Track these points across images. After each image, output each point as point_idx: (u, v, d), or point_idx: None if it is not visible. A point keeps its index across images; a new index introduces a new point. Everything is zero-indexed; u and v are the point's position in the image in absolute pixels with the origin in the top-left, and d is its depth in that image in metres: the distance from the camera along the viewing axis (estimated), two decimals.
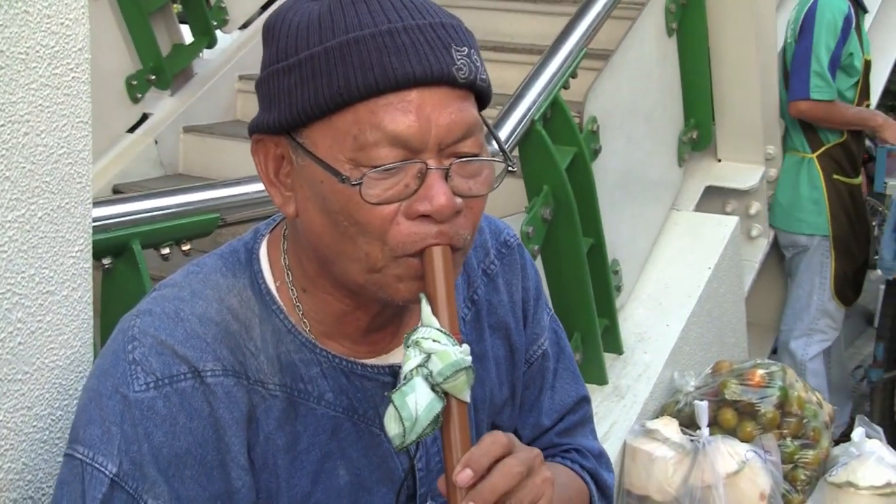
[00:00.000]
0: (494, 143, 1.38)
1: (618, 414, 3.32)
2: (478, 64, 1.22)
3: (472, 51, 1.22)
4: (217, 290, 1.29)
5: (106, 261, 1.97)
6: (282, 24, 1.23)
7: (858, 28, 4.63)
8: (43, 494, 1.46)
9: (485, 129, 1.26)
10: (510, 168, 1.29)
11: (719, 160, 4.37)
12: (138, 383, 1.22)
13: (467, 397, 1.18)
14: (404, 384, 1.17)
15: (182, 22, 4.43)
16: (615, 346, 3.45)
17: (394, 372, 1.32)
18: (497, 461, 1.16)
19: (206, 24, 4.31)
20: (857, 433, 3.37)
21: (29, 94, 1.40)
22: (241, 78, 4.47)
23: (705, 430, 3.17)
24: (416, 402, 1.16)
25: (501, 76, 3.94)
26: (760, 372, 3.36)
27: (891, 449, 3.33)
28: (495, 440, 1.18)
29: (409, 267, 1.21)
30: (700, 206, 4.20)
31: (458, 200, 1.20)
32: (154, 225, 2.05)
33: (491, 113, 3.02)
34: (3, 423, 1.40)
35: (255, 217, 2.13)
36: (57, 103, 1.44)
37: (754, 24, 4.17)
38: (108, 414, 1.22)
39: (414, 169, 1.19)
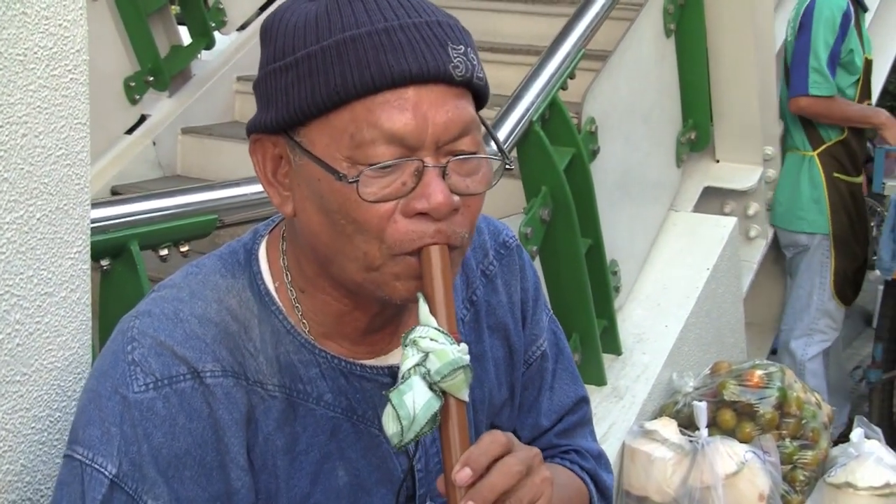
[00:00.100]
0: (493, 143, 1.38)
1: (616, 415, 3.32)
2: (474, 62, 1.22)
3: (469, 49, 1.22)
4: (216, 291, 1.29)
5: (104, 262, 1.97)
6: (279, 25, 1.24)
7: (858, 26, 4.63)
8: (42, 496, 1.45)
9: (483, 128, 1.26)
10: (507, 166, 1.29)
11: (717, 161, 4.38)
12: (137, 384, 1.22)
13: (465, 396, 1.18)
14: (402, 383, 1.16)
15: (180, 23, 4.43)
16: (614, 347, 3.45)
17: (393, 373, 1.32)
18: (496, 460, 1.16)
19: (205, 25, 4.31)
20: (856, 434, 3.37)
21: (27, 95, 1.40)
22: (239, 79, 4.47)
23: (704, 431, 3.17)
24: (413, 401, 1.15)
25: (499, 77, 3.94)
26: (759, 373, 3.36)
27: (889, 449, 3.33)
28: (494, 439, 1.17)
29: (406, 265, 1.21)
30: (698, 207, 4.20)
31: (456, 198, 1.20)
32: (152, 226, 2.05)
33: (489, 114, 3.01)
34: (1, 425, 1.40)
35: (254, 218, 2.13)
36: (55, 105, 1.44)
37: (752, 25, 4.17)
38: (108, 415, 1.22)
39: (411, 167, 1.19)
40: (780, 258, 4.96)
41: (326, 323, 1.31)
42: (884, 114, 4.71)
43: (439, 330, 1.18)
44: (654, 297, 3.73)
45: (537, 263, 3.09)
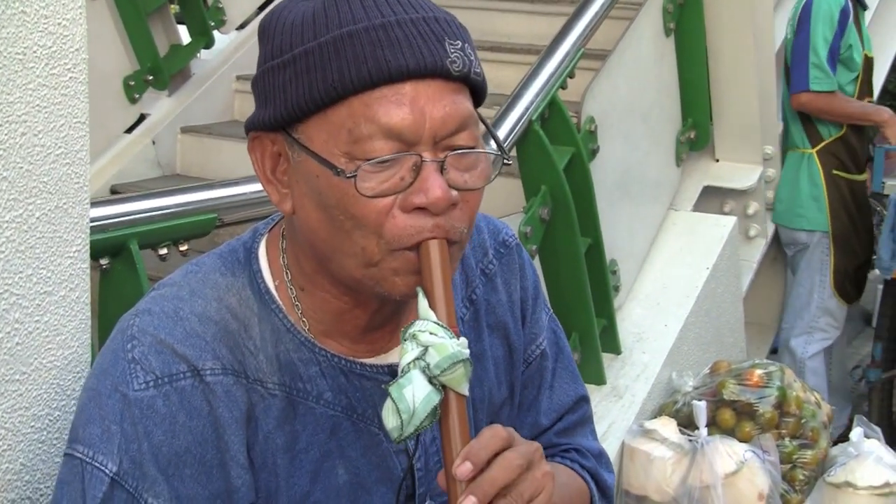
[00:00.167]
0: (492, 141, 1.38)
1: (616, 414, 3.32)
2: (471, 57, 1.22)
3: (466, 45, 1.23)
4: (216, 290, 1.29)
5: (104, 261, 1.97)
6: (277, 23, 1.24)
7: (858, 23, 4.64)
8: (41, 495, 1.45)
9: (481, 124, 1.26)
10: (506, 161, 1.29)
11: (717, 160, 4.38)
12: (138, 382, 1.22)
13: (465, 390, 1.18)
14: (401, 377, 1.16)
15: (179, 22, 4.42)
16: (613, 346, 3.45)
17: (393, 371, 1.32)
18: (497, 455, 1.16)
19: (204, 24, 4.31)
20: (856, 433, 3.37)
21: (26, 94, 1.40)
22: (238, 78, 4.47)
23: (703, 430, 3.17)
24: (413, 395, 1.15)
25: (499, 76, 3.94)
26: (759, 372, 3.36)
27: (889, 449, 3.33)
28: (495, 434, 1.17)
29: (405, 261, 1.21)
30: (698, 206, 4.20)
31: (454, 193, 1.21)
32: (152, 225, 2.05)
33: (489, 113, 3.02)
34: (0, 424, 1.40)
35: (253, 217, 2.13)
36: (54, 103, 1.44)
37: (752, 24, 4.17)
38: (108, 413, 1.22)
39: (409, 162, 1.19)
40: (779, 257, 4.96)
41: (326, 321, 1.31)
42: (886, 111, 4.71)
43: (438, 324, 1.18)
44: (653, 296, 3.73)
45: (537, 263, 3.09)
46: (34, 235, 1.43)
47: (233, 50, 4.57)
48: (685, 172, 4.21)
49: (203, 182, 2.89)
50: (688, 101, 4.09)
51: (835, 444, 3.51)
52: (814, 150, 4.65)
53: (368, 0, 1.20)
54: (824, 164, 4.63)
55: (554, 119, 3.16)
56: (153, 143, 4.15)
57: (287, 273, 1.32)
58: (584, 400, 1.60)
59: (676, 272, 3.82)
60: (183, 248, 2.12)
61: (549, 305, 1.58)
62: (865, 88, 4.73)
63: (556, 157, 3.08)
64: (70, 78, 1.46)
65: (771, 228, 4.71)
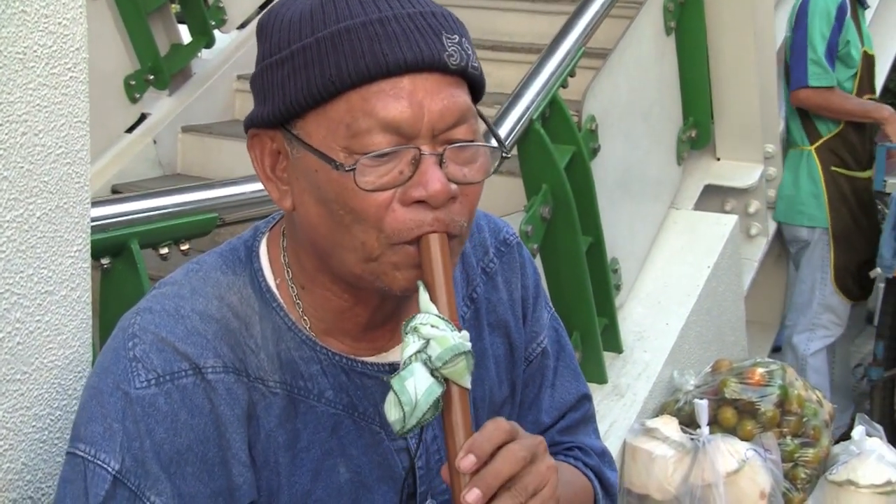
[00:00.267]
0: (492, 138, 1.38)
1: (617, 413, 3.32)
2: (469, 52, 1.23)
3: (463, 39, 1.23)
4: (217, 288, 1.29)
5: (104, 261, 1.97)
6: (274, 20, 1.25)
7: (857, 20, 4.64)
8: (42, 494, 1.45)
9: (480, 119, 1.26)
10: (505, 155, 1.29)
11: (718, 159, 4.38)
12: (139, 380, 1.22)
13: (468, 383, 1.18)
14: (403, 369, 1.16)
15: (180, 22, 4.42)
16: (615, 345, 3.45)
17: (394, 370, 1.31)
18: (500, 447, 1.16)
19: (205, 23, 4.30)
20: (858, 431, 3.37)
21: (27, 93, 1.39)
22: (239, 78, 4.47)
23: (705, 429, 3.17)
24: (415, 387, 1.15)
25: (500, 75, 3.94)
26: (760, 370, 3.36)
27: (891, 447, 3.33)
28: (498, 426, 1.17)
29: (405, 255, 1.21)
30: (699, 205, 4.20)
31: (454, 186, 1.21)
32: (152, 225, 2.05)
33: (489, 112, 3.02)
34: (2, 423, 1.40)
35: (254, 217, 2.13)
36: (55, 103, 1.44)
37: (753, 23, 4.17)
38: (110, 411, 1.22)
39: (408, 155, 1.19)
40: (781, 256, 4.96)
41: (327, 319, 1.31)
42: (886, 109, 4.71)
43: (440, 317, 1.18)
44: (654, 295, 3.73)
45: (538, 261, 3.08)
46: (35, 235, 1.43)
47: (234, 49, 4.57)
48: (686, 171, 4.21)
49: (204, 181, 2.89)
50: (689, 99, 4.09)
51: (837, 442, 3.51)
52: (812, 148, 4.67)
53: None
54: (823, 161, 4.64)
55: (555, 118, 3.16)
56: (154, 142, 4.15)
57: (288, 271, 1.32)
58: (587, 398, 1.60)
59: (678, 271, 3.82)
60: (184, 247, 2.12)
61: (550, 304, 1.58)
62: (866, 86, 4.74)
63: (557, 155, 3.08)
64: (70, 77, 1.46)
65: (772, 227, 4.71)
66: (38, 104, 1.41)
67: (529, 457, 1.17)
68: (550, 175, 3.06)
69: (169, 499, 1.22)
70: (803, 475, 3.29)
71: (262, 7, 4.71)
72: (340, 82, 1.18)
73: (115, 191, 3.86)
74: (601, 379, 3.33)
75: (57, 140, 1.44)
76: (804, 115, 4.67)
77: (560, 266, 3.16)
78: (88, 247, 1.53)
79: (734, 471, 3.09)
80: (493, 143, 1.31)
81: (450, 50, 1.20)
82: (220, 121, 4.38)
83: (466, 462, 1.14)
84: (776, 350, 5.06)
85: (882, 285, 4.86)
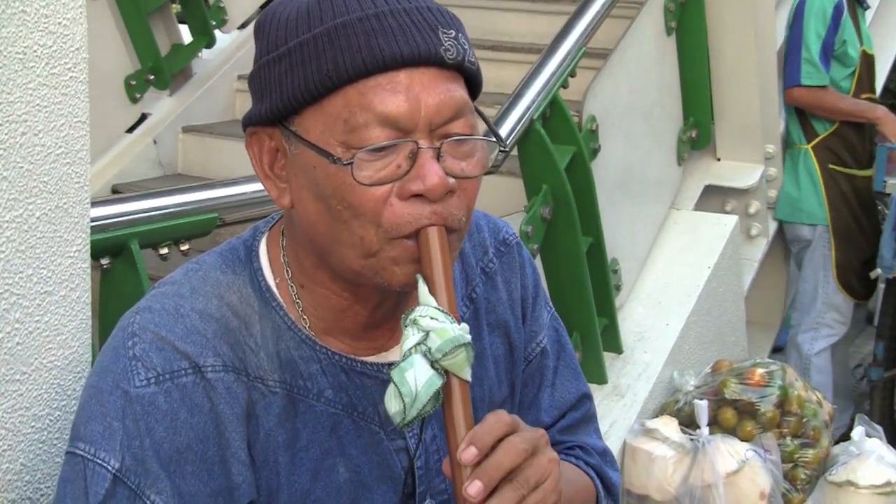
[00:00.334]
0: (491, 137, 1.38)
1: (617, 413, 3.32)
2: (465, 47, 1.23)
3: (460, 34, 1.23)
4: (217, 287, 1.29)
5: (104, 261, 1.97)
6: (272, 19, 1.25)
7: (856, 20, 4.65)
8: (41, 495, 1.45)
9: (478, 114, 1.26)
10: (503, 149, 1.29)
11: (718, 159, 4.38)
12: (139, 379, 1.22)
13: (468, 375, 1.18)
14: (403, 361, 1.16)
15: (181, 22, 4.42)
16: (615, 346, 3.45)
17: None
18: (501, 440, 1.16)
19: (205, 23, 4.30)
20: (857, 432, 3.37)
21: (26, 93, 1.39)
22: (239, 78, 4.47)
23: (705, 430, 3.17)
24: (415, 378, 1.15)
25: (500, 75, 3.94)
26: (760, 371, 3.36)
27: (891, 448, 3.33)
28: (499, 419, 1.17)
29: (404, 249, 1.21)
30: (699, 205, 4.20)
31: (451, 180, 1.21)
32: (152, 225, 2.05)
33: (490, 112, 3.02)
34: (1, 424, 1.40)
35: (254, 217, 2.13)
36: (55, 103, 1.44)
37: (753, 23, 4.17)
38: (110, 410, 1.22)
39: (405, 149, 1.19)
40: (781, 256, 4.96)
41: (327, 318, 1.31)
42: (880, 109, 4.72)
43: (439, 309, 1.18)
44: (655, 295, 3.73)
45: (538, 262, 3.08)
46: (34, 235, 1.42)
47: (234, 49, 4.57)
48: (686, 171, 4.21)
49: (204, 182, 2.89)
50: (689, 100, 4.09)
51: (836, 443, 3.51)
52: (809, 146, 4.69)
53: None
54: (820, 159, 4.67)
55: (555, 118, 3.15)
56: (154, 142, 4.15)
57: (287, 270, 1.32)
58: (587, 397, 1.60)
59: (678, 271, 3.82)
60: (184, 247, 2.12)
61: (550, 304, 1.58)
62: (866, 85, 4.75)
63: (558, 156, 3.08)
64: (70, 77, 1.46)
65: (772, 227, 4.71)
66: (37, 104, 1.41)
67: (531, 449, 1.16)
68: (551, 175, 3.06)
69: (169, 497, 1.22)
70: (803, 476, 3.29)
71: (262, 7, 4.71)
72: (337, 77, 1.18)
73: (115, 191, 3.86)
74: (601, 379, 3.33)
75: (57, 140, 1.44)
76: (801, 114, 4.69)
77: (560, 266, 3.16)
78: (88, 247, 1.53)
79: (734, 471, 3.08)
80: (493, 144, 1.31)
81: (446, 44, 1.21)
82: (221, 121, 4.38)
83: (468, 454, 1.14)
84: (776, 350, 5.06)
85: (882, 286, 4.86)
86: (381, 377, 1.33)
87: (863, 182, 4.77)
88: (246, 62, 4.45)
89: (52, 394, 1.47)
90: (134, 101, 4.05)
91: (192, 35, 4.37)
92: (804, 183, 4.67)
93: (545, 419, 1.54)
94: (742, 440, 3.20)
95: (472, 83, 1.26)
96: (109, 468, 1.21)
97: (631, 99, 3.69)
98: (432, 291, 1.20)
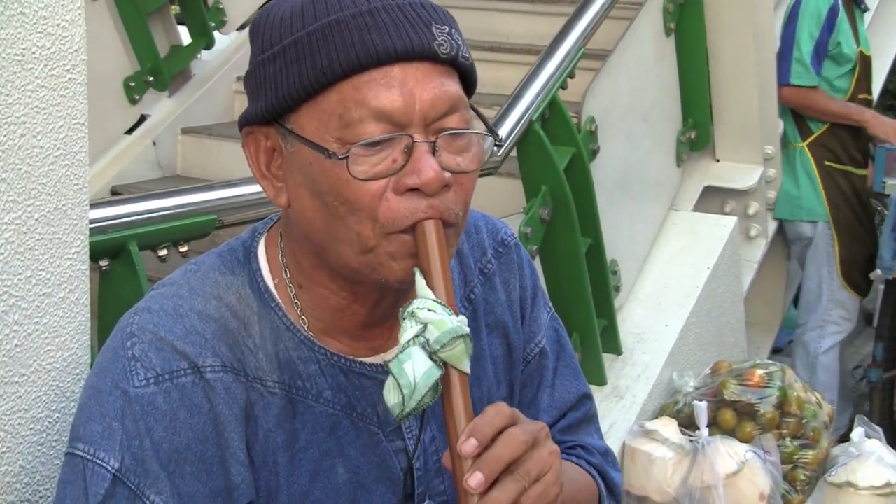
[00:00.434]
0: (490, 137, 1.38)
1: (617, 414, 3.31)
2: (459, 42, 1.24)
3: (453, 30, 1.24)
4: (216, 288, 1.29)
5: (103, 262, 1.97)
6: (266, 19, 1.27)
7: (853, 21, 4.66)
8: (40, 497, 1.45)
9: (472, 109, 1.27)
10: (498, 143, 1.30)
11: (718, 160, 4.38)
12: (138, 379, 1.22)
13: (467, 367, 1.18)
14: (401, 353, 1.16)
15: (180, 23, 4.42)
16: (614, 347, 3.45)
17: None
18: (501, 432, 1.16)
19: (204, 25, 4.30)
20: (857, 433, 3.37)
21: (25, 95, 1.39)
22: (238, 79, 4.47)
23: (704, 431, 3.17)
24: (413, 369, 1.15)
25: (499, 76, 3.94)
26: (759, 372, 3.36)
27: (890, 449, 3.33)
28: (499, 411, 1.17)
29: (401, 244, 1.21)
30: (699, 206, 4.20)
31: (447, 174, 1.21)
32: (151, 226, 2.04)
33: (489, 113, 3.01)
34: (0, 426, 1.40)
35: (253, 218, 2.12)
36: (53, 105, 1.44)
37: (752, 24, 4.17)
38: (109, 410, 1.22)
39: (401, 143, 1.20)
40: (780, 257, 4.96)
41: (325, 318, 1.31)
42: (868, 111, 4.75)
43: (437, 301, 1.18)
44: (654, 296, 3.73)
45: (537, 263, 3.08)
46: (33, 237, 1.42)
47: (233, 51, 4.57)
48: (686, 172, 4.21)
49: (203, 183, 2.88)
50: (688, 101, 4.09)
51: (836, 444, 3.51)
52: (804, 144, 4.72)
53: None
54: (816, 157, 4.70)
55: (554, 119, 3.15)
56: (153, 144, 4.15)
57: (286, 271, 1.32)
58: (588, 397, 1.60)
59: (677, 272, 3.82)
60: (183, 249, 2.11)
61: (550, 304, 1.58)
62: (863, 86, 4.75)
63: (557, 157, 3.08)
64: (69, 79, 1.46)
65: (772, 228, 4.71)
66: (36, 106, 1.41)
67: (531, 441, 1.16)
68: (550, 176, 3.06)
69: (168, 498, 1.22)
70: (802, 477, 3.28)
71: (261, 8, 4.70)
72: (332, 73, 1.19)
73: (114, 192, 3.86)
74: (600, 380, 3.33)
75: (55, 142, 1.44)
76: (796, 112, 4.72)
77: (559, 267, 3.15)
78: (87, 249, 1.53)
79: (733, 472, 3.08)
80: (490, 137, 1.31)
81: (440, 39, 1.21)
82: (220, 122, 4.37)
83: (468, 446, 1.14)
84: (776, 351, 5.06)
85: (881, 287, 4.86)
86: (380, 378, 1.32)
87: (859, 180, 4.79)
88: (245, 63, 4.40)
89: (50, 396, 1.47)
90: (133, 102, 4.05)
91: (191, 36, 4.37)
92: (802, 180, 4.69)
93: (545, 419, 1.53)
94: (741, 441, 3.20)
95: (468, 79, 1.26)
96: (109, 468, 1.21)
97: (630, 100, 3.69)
98: (430, 284, 1.20)
